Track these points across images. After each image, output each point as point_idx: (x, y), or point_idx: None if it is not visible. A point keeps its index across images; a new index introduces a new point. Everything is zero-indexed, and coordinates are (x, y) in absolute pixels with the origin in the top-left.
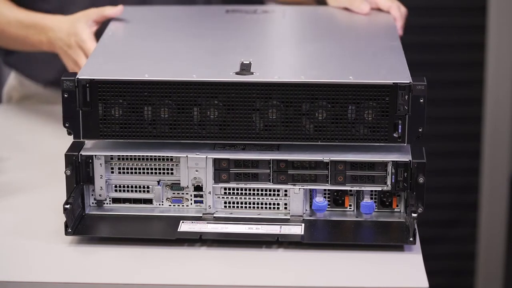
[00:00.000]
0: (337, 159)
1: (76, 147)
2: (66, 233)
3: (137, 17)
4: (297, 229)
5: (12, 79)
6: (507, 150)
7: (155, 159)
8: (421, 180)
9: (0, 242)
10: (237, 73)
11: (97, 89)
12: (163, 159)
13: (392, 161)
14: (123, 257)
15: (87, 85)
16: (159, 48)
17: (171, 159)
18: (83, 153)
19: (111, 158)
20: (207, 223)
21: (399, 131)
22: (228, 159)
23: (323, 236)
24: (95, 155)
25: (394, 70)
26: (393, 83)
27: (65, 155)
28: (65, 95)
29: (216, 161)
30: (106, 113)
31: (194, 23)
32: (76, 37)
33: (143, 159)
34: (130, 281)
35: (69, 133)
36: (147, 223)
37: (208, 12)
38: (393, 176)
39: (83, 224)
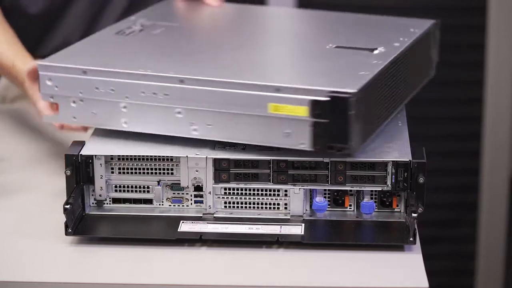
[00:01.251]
0: (337, 159)
1: (76, 147)
2: (66, 233)
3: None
4: (297, 229)
5: (5, 79)
6: (507, 150)
7: (155, 159)
8: (421, 180)
9: (0, 242)
10: (372, 52)
11: (365, 96)
12: (163, 159)
13: (392, 161)
14: (123, 257)
15: (362, 95)
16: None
17: (171, 159)
18: (83, 153)
19: (111, 158)
20: (207, 223)
21: (433, 65)
22: (228, 159)
23: (323, 236)
24: (95, 155)
25: (406, 20)
26: (429, 27)
27: (65, 155)
28: (351, 112)
29: (216, 161)
30: (363, 117)
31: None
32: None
33: (143, 159)
34: (130, 281)
35: (341, 153)
36: (147, 223)
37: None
38: (393, 176)
39: (83, 224)
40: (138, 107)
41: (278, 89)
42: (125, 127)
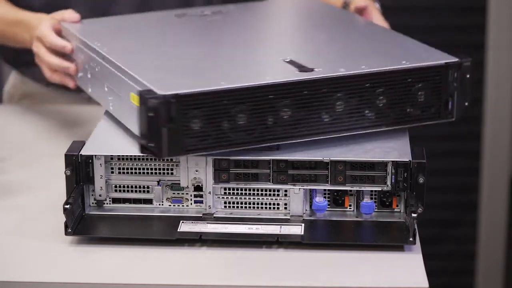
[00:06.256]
0: (337, 159)
1: (76, 147)
2: (66, 233)
3: (107, 29)
4: (297, 229)
5: (13, 77)
6: (507, 150)
7: (155, 159)
8: (421, 180)
9: (0, 242)
10: (300, 71)
11: (182, 104)
12: (163, 159)
13: (392, 161)
14: (123, 257)
15: (174, 100)
16: (190, 56)
17: (171, 159)
18: (83, 153)
19: (111, 158)
20: (207, 223)
21: (450, 108)
22: (228, 159)
23: (323, 236)
24: (95, 155)
25: (431, 52)
26: (445, 63)
27: (65, 155)
28: (150, 114)
29: (216, 161)
30: (189, 126)
31: (177, 30)
32: (36, 30)
33: (143, 159)
34: (130, 281)
35: (149, 153)
36: (147, 223)
37: (162, 17)
38: (393, 176)
39: (83, 224)
40: None
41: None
42: None
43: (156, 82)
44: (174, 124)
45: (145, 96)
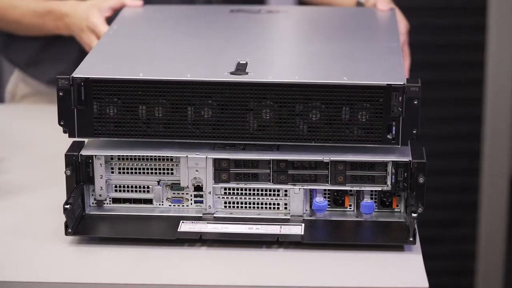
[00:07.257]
0: (337, 159)
1: (76, 147)
2: (66, 233)
3: (141, 15)
4: (297, 229)
5: (16, 77)
6: (507, 150)
7: (155, 159)
8: (421, 180)
9: (0, 242)
10: (231, 73)
11: (91, 88)
12: (163, 159)
13: (392, 161)
14: (123, 257)
15: (82, 84)
16: (158, 48)
17: (171, 159)
18: (83, 153)
19: (111, 158)
20: (207, 223)
21: (393, 132)
22: (228, 159)
23: (323, 236)
24: (95, 155)
25: (389, 72)
26: (387, 84)
27: (65, 155)
28: (60, 93)
29: (216, 161)
30: (100, 111)
31: (196, 23)
32: (88, 21)
33: (143, 159)
34: (130, 281)
35: (64, 131)
36: (147, 223)
37: (211, 12)
38: (393, 176)
39: (83, 224)
40: None
41: None
42: None
43: (85, 66)
44: (83, 107)
45: (58, 77)
